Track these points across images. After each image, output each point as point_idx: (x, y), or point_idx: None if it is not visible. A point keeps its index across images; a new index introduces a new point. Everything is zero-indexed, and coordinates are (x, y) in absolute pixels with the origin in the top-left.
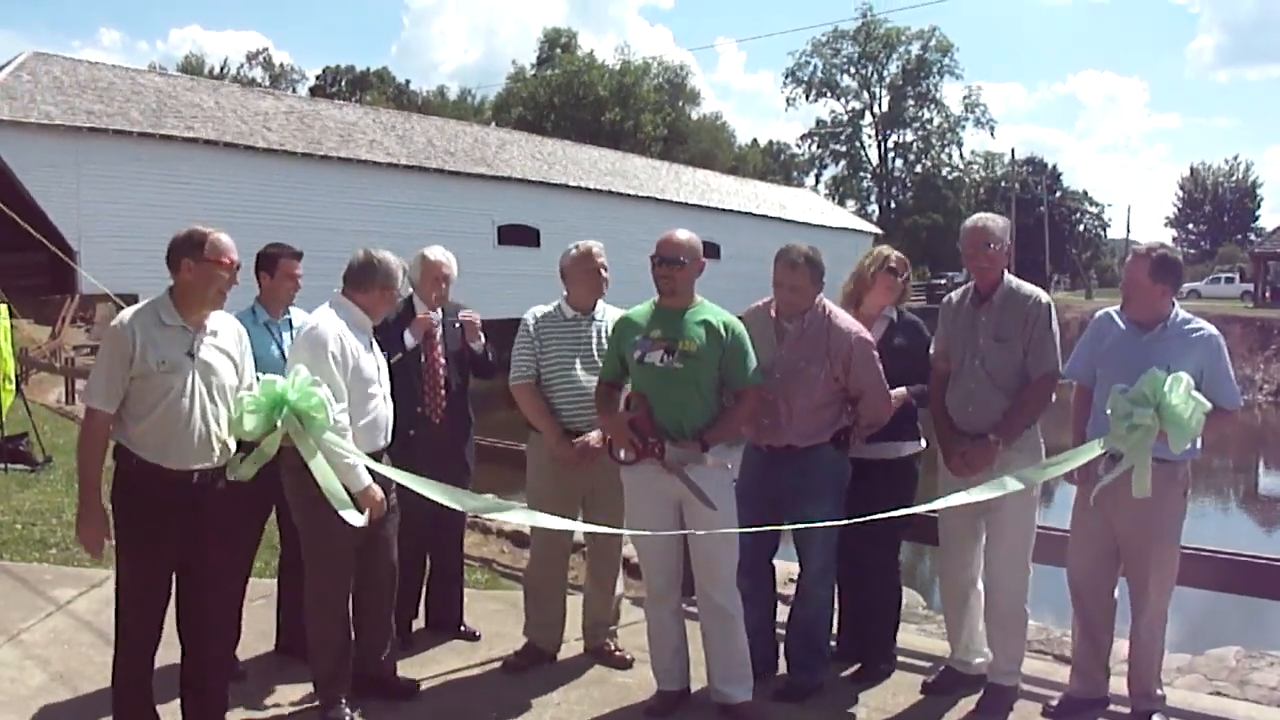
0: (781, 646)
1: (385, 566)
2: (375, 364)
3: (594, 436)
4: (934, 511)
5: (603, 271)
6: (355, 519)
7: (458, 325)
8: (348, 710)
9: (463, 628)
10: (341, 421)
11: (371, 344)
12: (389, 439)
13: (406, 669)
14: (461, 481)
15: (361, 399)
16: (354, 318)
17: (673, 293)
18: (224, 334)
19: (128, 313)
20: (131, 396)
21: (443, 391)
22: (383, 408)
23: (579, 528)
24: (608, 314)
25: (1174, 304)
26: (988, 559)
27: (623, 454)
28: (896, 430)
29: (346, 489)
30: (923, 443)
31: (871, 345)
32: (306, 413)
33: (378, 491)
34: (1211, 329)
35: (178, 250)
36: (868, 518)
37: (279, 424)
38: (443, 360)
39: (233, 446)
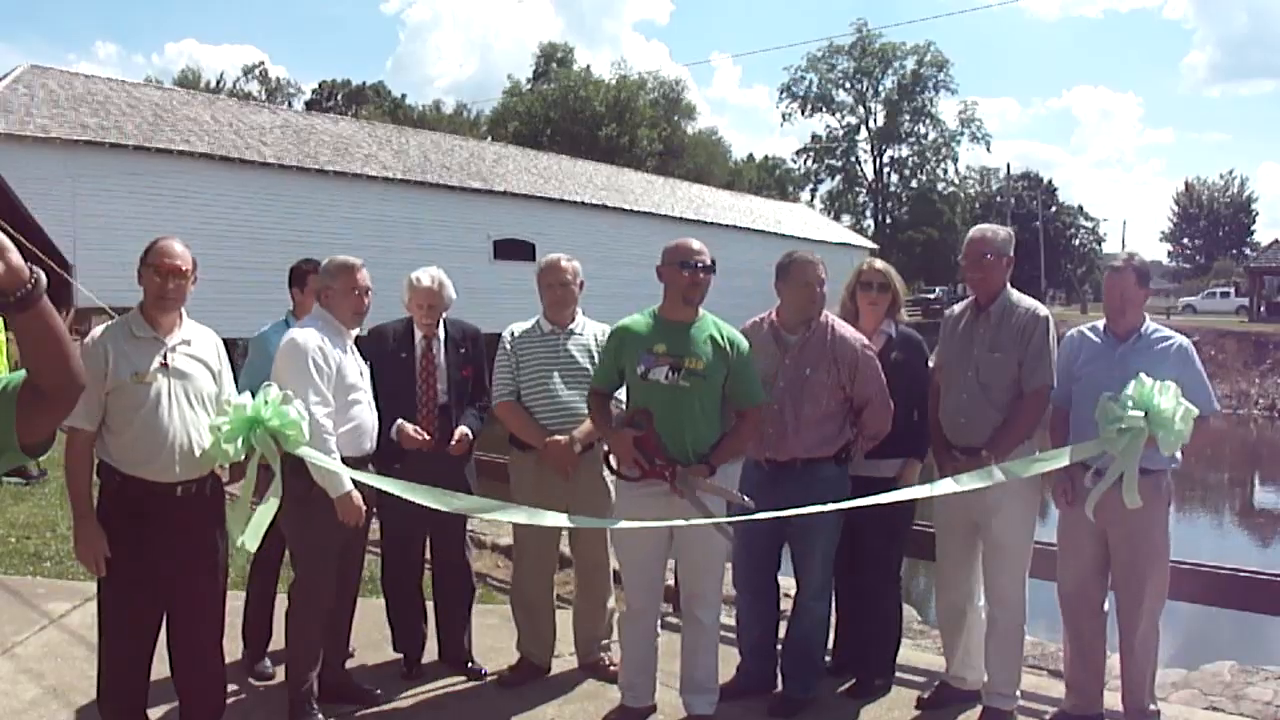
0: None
1: (353, 577)
2: (358, 369)
3: (564, 439)
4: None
5: (563, 288)
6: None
7: (463, 350)
8: (319, 714)
9: (470, 664)
10: (326, 425)
11: (349, 349)
12: (374, 444)
13: (403, 684)
14: None
15: (344, 405)
16: (329, 324)
17: (702, 301)
18: (199, 343)
19: (98, 329)
20: (110, 410)
21: (436, 417)
22: (367, 413)
23: (569, 522)
24: (588, 328)
25: (1144, 315)
26: (985, 577)
27: (622, 469)
28: (898, 448)
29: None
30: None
31: (875, 354)
32: (280, 431)
33: (357, 497)
34: (1182, 338)
35: (141, 264)
36: (856, 502)
37: (255, 445)
38: (441, 386)
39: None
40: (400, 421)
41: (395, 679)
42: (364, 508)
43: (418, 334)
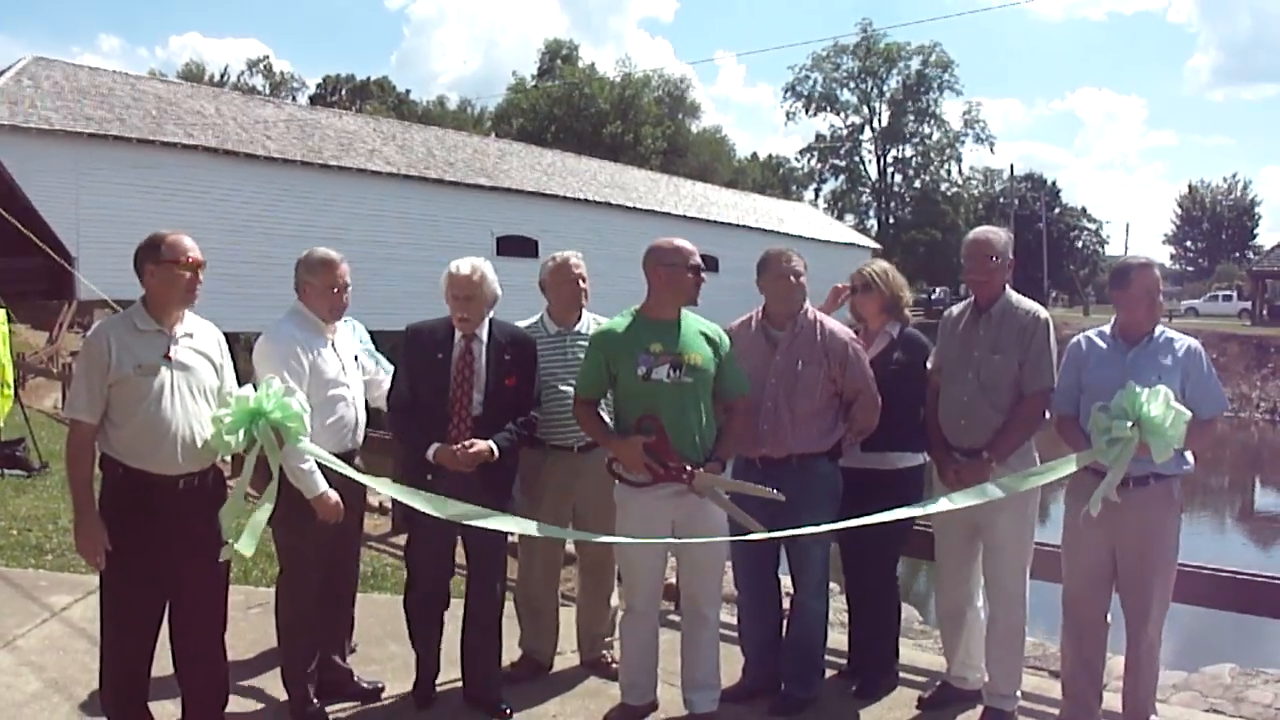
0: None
1: (346, 574)
2: (339, 364)
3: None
4: (918, 521)
5: (581, 283)
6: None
7: (507, 357)
8: (320, 711)
9: (505, 708)
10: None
11: (330, 344)
12: (357, 440)
13: (406, 678)
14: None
15: (324, 401)
16: (306, 320)
17: (697, 300)
18: (201, 337)
19: (101, 322)
20: (113, 403)
21: (469, 429)
22: (349, 409)
23: (570, 535)
24: (594, 329)
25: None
26: (986, 578)
27: (625, 472)
28: (898, 440)
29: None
30: (924, 455)
31: (861, 347)
32: (282, 423)
33: (333, 496)
34: (1192, 340)
35: (140, 257)
36: (853, 523)
37: (256, 436)
38: (478, 396)
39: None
40: (437, 445)
41: (396, 674)
42: (342, 506)
43: (457, 334)
